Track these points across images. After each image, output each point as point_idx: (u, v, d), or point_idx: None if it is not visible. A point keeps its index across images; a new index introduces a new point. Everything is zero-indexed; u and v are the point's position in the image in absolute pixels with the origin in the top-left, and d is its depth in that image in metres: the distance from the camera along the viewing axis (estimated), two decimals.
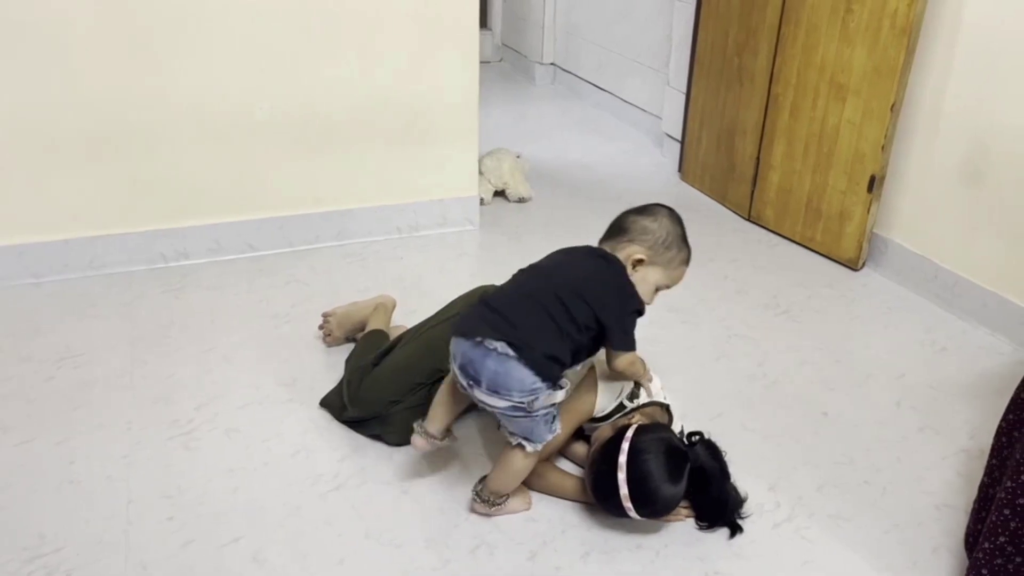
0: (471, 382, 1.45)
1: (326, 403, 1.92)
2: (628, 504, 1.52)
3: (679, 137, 3.43)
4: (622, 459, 1.52)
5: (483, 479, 1.64)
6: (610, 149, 3.73)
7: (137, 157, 2.39)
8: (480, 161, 2.98)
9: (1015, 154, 2.22)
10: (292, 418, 1.90)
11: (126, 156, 2.38)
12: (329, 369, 2.05)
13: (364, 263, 2.61)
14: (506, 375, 1.41)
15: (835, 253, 2.72)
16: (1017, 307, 2.28)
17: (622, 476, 1.51)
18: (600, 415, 1.69)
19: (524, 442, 1.51)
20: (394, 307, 2.17)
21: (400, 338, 1.92)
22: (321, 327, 2.16)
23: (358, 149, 2.62)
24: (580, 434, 1.77)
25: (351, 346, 2.07)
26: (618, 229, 1.59)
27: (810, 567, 1.56)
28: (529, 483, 1.68)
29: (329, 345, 2.15)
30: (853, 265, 2.67)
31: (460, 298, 1.94)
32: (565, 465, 1.78)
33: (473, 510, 1.65)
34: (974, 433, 1.93)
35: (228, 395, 1.96)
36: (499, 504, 1.62)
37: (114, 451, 1.77)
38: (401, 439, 1.80)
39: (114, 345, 2.13)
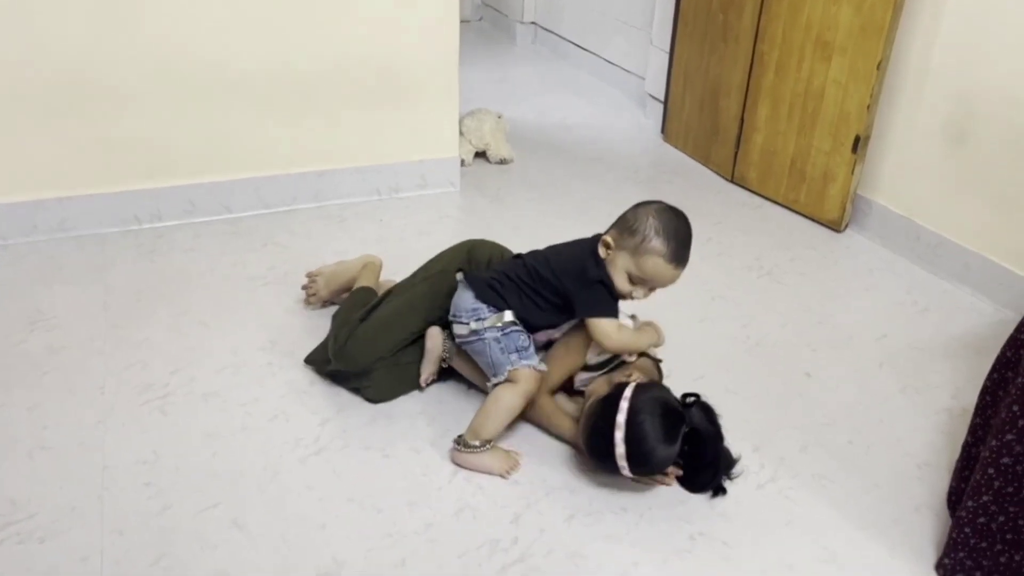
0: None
1: (311, 360, 1.90)
2: (623, 463, 1.52)
3: (662, 98, 3.39)
4: (620, 418, 1.51)
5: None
6: (592, 110, 3.68)
7: (108, 115, 2.32)
8: (461, 122, 2.92)
9: (999, 114, 2.20)
10: (271, 382, 1.87)
11: (96, 114, 2.31)
12: (308, 332, 2.01)
13: (343, 225, 2.56)
14: (459, 300, 1.72)
15: (818, 215, 2.71)
16: (999, 267, 2.28)
17: (619, 435, 1.51)
18: (593, 363, 1.71)
19: (493, 378, 1.64)
20: (381, 267, 2.13)
21: (388, 293, 1.90)
22: (306, 287, 2.12)
23: (336, 109, 2.56)
24: (571, 391, 1.77)
25: (333, 309, 2.04)
26: None
27: (794, 527, 1.56)
28: (525, 414, 1.70)
29: (312, 305, 2.11)
30: (836, 226, 2.66)
31: (446, 251, 1.92)
32: None
33: (451, 459, 1.66)
34: (956, 393, 1.94)
35: (205, 359, 1.92)
36: (473, 448, 1.63)
37: (87, 416, 1.73)
38: (379, 395, 1.80)
39: (86, 308, 2.08)
